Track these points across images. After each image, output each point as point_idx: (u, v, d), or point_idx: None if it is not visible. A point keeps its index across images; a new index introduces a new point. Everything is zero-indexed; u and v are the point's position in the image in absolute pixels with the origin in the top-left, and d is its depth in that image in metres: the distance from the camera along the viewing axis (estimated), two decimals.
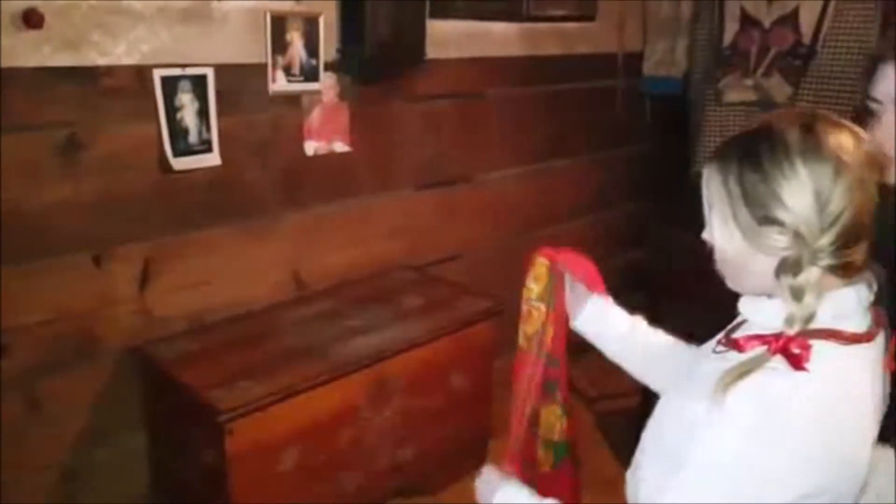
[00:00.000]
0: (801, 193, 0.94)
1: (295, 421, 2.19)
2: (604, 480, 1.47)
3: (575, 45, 3.60)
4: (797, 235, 0.95)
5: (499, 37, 3.25)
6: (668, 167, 3.80)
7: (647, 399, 1.29)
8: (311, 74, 2.60)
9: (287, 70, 2.53)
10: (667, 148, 3.96)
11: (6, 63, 1.96)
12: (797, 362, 0.95)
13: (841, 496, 0.98)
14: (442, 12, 2.92)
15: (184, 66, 2.29)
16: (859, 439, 0.98)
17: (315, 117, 2.67)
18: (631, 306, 1.48)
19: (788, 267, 0.97)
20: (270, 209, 2.63)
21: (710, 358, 1.09)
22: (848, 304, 1.00)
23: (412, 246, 3.14)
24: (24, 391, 2.17)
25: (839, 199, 0.94)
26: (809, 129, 0.97)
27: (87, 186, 2.18)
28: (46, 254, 2.14)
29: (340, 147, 2.78)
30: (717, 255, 1.07)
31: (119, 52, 2.17)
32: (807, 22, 3.26)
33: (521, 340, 1.50)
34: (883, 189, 1.00)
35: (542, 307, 1.46)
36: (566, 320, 1.49)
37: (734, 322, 1.14)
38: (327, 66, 2.64)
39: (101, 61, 2.14)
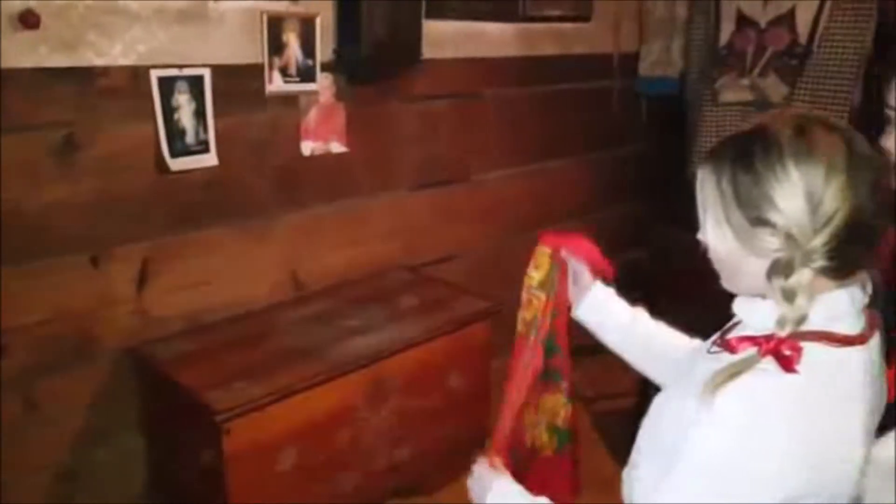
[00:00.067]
0: (792, 195, 0.94)
1: (292, 421, 2.19)
2: (601, 480, 1.47)
3: (571, 46, 3.61)
4: (789, 237, 0.95)
5: (495, 37, 3.25)
6: (664, 167, 3.80)
7: (643, 399, 1.29)
8: (307, 75, 2.60)
9: (284, 71, 2.53)
10: (663, 148, 3.97)
11: (3, 64, 1.96)
12: (788, 364, 0.95)
13: (834, 497, 0.98)
14: (438, 13, 2.92)
15: (180, 66, 2.29)
16: (849, 442, 0.98)
17: (312, 118, 2.67)
18: (630, 304, 1.49)
19: (780, 268, 0.97)
20: (268, 209, 2.63)
21: (705, 358, 1.09)
22: (841, 306, 1.00)
23: (409, 246, 3.15)
24: (23, 391, 2.17)
25: (832, 200, 0.93)
26: (802, 131, 0.97)
27: (85, 187, 2.18)
28: (45, 254, 2.14)
29: (337, 147, 2.78)
30: (711, 256, 1.07)
31: (115, 53, 2.17)
32: (803, 22, 3.26)
33: (520, 326, 1.50)
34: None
35: (542, 295, 1.46)
36: (568, 309, 1.49)
37: (730, 323, 1.14)
38: (324, 67, 2.64)
39: (98, 62, 2.14)
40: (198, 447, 2.17)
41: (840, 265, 0.97)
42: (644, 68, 3.97)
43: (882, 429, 1.06)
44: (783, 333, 0.96)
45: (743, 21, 3.44)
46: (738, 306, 1.08)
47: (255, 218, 2.60)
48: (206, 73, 2.35)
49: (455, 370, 2.68)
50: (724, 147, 1.03)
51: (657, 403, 1.13)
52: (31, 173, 2.08)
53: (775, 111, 1.06)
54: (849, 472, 0.98)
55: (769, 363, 0.96)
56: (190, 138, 2.35)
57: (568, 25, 3.57)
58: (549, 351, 1.47)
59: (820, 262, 0.96)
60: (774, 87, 3.36)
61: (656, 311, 1.47)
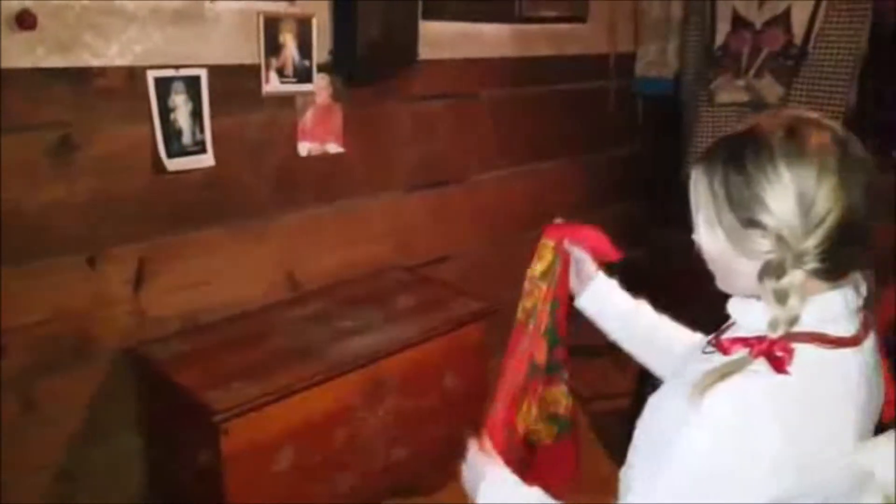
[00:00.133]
0: (784, 197, 0.94)
1: (290, 421, 2.20)
2: (599, 480, 1.47)
3: (567, 47, 3.62)
4: (780, 239, 0.95)
5: (491, 38, 3.26)
6: (660, 168, 3.81)
7: (640, 399, 1.29)
8: (304, 75, 2.60)
9: (280, 71, 2.53)
10: (659, 148, 3.98)
11: (2, 64, 1.96)
12: (779, 365, 0.94)
13: (826, 498, 0.97)
14: (434, 13, 2.93)
15: (177, 67, 2.29)
16: (842, 443, 0.98)
17: (308, 118, 2.68)
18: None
19: (772, 270, 0.97)
20: (264, 210, 2.63)
21: (699, 358, 1.09)
22: (834, 308, 0.99)
23: (406, 246, 3.15)
24: (22, 392, 2.17)
25: (824, 201, 0.93)
26: (794, 132, 0.96)
27: (81, 187, 2.18)
28: (44, 254, 2.14)
29: (334, 148, 2.78)
30: (705, 257, 1.07)
31: (112, 54, 2.17)
32: (798, 22, 3.27)
33: (520, 314, 1.51)
34: None
35: (543, 286, 1.48)
36: (570, 299, 1.50)
37: (726, 323, 1.14)
38: (320, 68, 2.64)
39: (95, 62, 2.14)
40: (195, 447, 2.18)
41: (833, 267, 0.97)
42: (640, 69, 3.98)
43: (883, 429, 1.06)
44: (775, 335, 0.96)
45: (738, 22, 3.45)
46: (733, 307, 1.08)
47: (252, 218, 2.61)
48: (203, 74, 2.35)
49: (451, 370, 2.69)
50: (717, 148, 1.03)
51: (651, 403, 1.13)
52: (30, 174, 2.08)
53: (769, 112, 1.06)
54: (841, 474, 0.98)
55: (761, 364, 0.96)
56: (186, 139, 2.36)
57: (564, 26, 3.58)
58: (552, 344, 1.48)
59: (812, 264, 0.96)
60: (770, 88, 3.37)
61: (655, 310, 1.48)
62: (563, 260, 1.48)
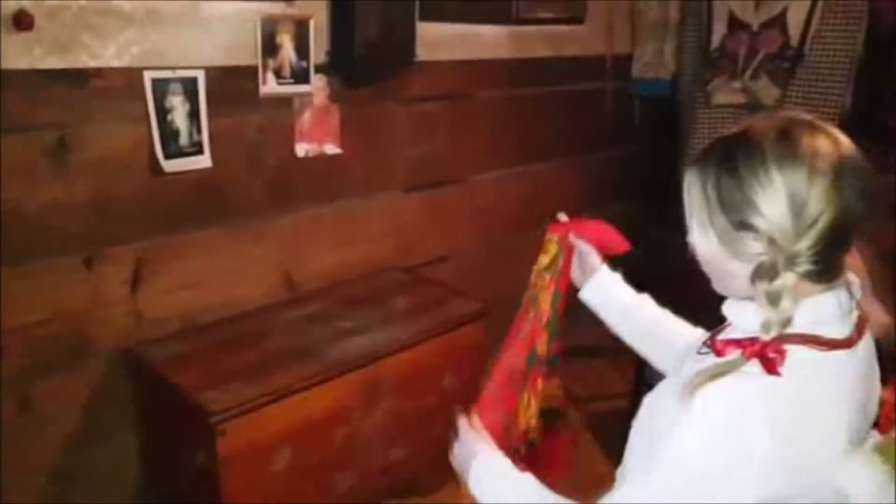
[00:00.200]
0: (775, 199, 0.94)
1: (287, 421, 2.20)
2: (595, 480, 1.47)
3: (564, 48, 3.62)
4: (772, 241, 0.95)
5: (489, 39, 3.26)
6: (657, 169, 3.81)
7: (636, 399, 1.30)
8: (301, 76, 2.60)
9: (278, 72, 2.53)
10: (656, 149, 3.98)
11: (2, 65, 1.96)
12: (771, 366, 0.95)
13: (817, 498, 0.97)
14: (432, 14, 2.93)
15: (174, 68, 2.29)
16: (834, 445, 0.98)
17: (306, 119, 2.68)
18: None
19: (764, 272, 0.97)
20: (261, 211, 2.64)
21: (693, 359, 1.10)
22: (827, 310, 1.00)
23: (403, 247, 3.15)
24: (20, 392, 2.17)
25: (816, 203, 0.93)
26: (785, 134, 0.97)
27: (79, 188, 2.18)
28: (43, 254, 2.14)
29: (331, 149, 2.79)
30: (699, 259, 1.08)
31: (109, 55, 2.17)
32: (794, 24, 3.28)
33: (524, 300, 1.52)
34: None
35: (547, 276, 1.49)
36: (575, 291, 1.51)
37: (722, 325, 1.14)
38: (318, 69, 2.64)
39: (92, 63, 2.14)
40: (192, 448, 2.18)
41: (826, 269, 0.98)
42: (637, 70, 3.98)
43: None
44: (768, 336, 0.97)
45: (735, 23, 3.45)
46: (728, 309, 1.09)
47: (249, 219, 2.61)
48: (200, 75, 2.35)
49: (449, 370, 2.69)
50: (710, 151, 1.03)
51: (647, 402, 1.14)
52: (29, 174, 2.08)
53: (762, 114, 1.06)
54: (832, 474, 0.98)
55: (753, 366, 0.96)
56: (184, 140, 2.36)
57: (561, 27, 3.58)
58: (552, 335, 1.49)
59: (805, 266, 0.96)
60: (766, 90, 3.37)
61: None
62: (567, 252, 1.50)
